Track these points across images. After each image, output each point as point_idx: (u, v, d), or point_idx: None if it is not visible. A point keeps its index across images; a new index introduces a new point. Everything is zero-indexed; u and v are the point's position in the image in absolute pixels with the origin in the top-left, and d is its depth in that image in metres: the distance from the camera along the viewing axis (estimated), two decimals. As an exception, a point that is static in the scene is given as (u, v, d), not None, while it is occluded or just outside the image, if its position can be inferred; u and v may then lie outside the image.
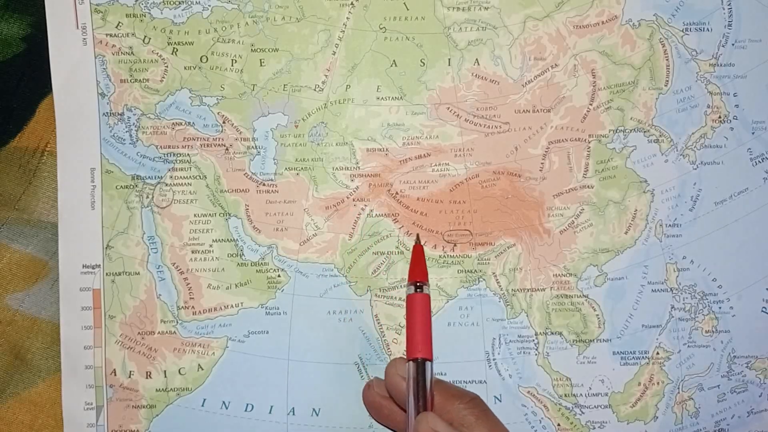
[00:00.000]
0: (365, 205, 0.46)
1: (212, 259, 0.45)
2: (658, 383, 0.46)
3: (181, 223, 0.45)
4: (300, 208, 0.45)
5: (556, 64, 0.46)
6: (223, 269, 0.45)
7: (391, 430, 0.44)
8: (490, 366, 0.46)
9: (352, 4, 0.45)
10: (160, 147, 0.45)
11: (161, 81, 0.45)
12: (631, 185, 0.46)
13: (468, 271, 0.46)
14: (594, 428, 0.45)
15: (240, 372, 0.45)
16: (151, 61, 0.45)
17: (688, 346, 0.46)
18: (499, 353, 0.46)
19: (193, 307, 0.45)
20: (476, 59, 0.46)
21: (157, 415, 0.45)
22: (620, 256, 0.46)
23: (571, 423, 0.45)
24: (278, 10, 0.45)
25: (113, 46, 0.45)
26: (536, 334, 0.46)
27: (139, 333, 0.45)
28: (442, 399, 0.40)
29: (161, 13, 0.45)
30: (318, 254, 0.45)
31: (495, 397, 0.45)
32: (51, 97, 0.45)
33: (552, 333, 0.46)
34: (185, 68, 0.45)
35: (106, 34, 0.45)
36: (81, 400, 0.45)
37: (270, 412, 0.45)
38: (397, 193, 0.46)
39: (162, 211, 0.45)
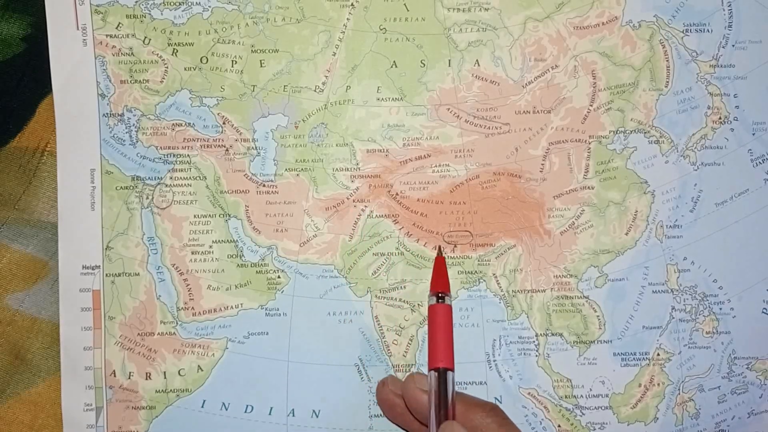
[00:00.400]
0: (365, 206, 0.46)
1: (212, 260, 0.45)
2: (658, 384, 0.46)
3: (181, 224, 0.45)
4: (300, 209, 0.45)
5: (556, 65, 0.46)
6: (222, 270, 0.45)
7: (402, 429, 0.44)
8: (490, 367, 0.45)
9: (352, 5, 0.45)
10: (160, 148, 0.45)
11: (161, 82, 0.45)
12: (631, 186, 0.46)
13: (468, 272, 0.46)
14: (594, 429, 0.45)
15: (240, 373, 0.45)
16: (152, 62, 0.45)
17: (689, 347, 0.46)
18: (499, 354, 0.46)
19: (192, 308, 0.45)
20: (476, 60, 0.46)
21: (157, 417, 0.45)
22: (621, 257, 0.46)
23: (572, 424, 0.45)
24: (278, 11, 0.45)
25: (113, 46, 0.45)
26: (537, 336, 0.46)
27: (138, 334, 0.45)
28: (463, 408, 0.40)
29: (161, 14, 0.45)
30: (318, 255, 0.45)
31: (495, 398, 0.45)
32: (51, 97, 0.45)
33: (552, 334, 0.46)
34: (185, 69, 0.45)
35: (107, 35, 0.45)
36: (81, 401, 0.44)
37: (270, 414, 0.45)
38: (397, 194, 0.46)
39: (162, 212, 0.45)
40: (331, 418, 0.45)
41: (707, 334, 0.46)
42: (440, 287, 0.42)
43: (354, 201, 0.46)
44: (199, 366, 0.45)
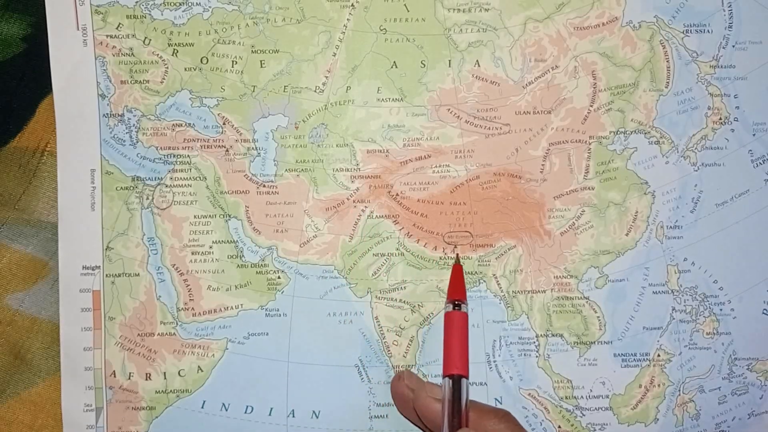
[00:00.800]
0: (365, 207, 0.46)
1: (212, 260, 0.45)
2: (659, 385, 0.46)
3: (181, 225, 0.45)
4: (300, 210, 0.45)
5: (556, 66, 0.46)
6: (223, 271, 0.45)
7: (414, 425, 0.44)
8: (490, 368, 0.45)
9: (352, 5, 0.45)
10: (161, 148, 0.45)
11: (161, 82, 0.45)
12: (631, 187, 0.46)
13: (468, 273, 0.46)
14: (595, 430, 0.45)
15: (240, 374, 0.45)
16: (152, 62, 0.45)
17: (689, 348, 0.46)
18: (499, 355, 0.46)
19: (192, 308, 0.45)
20: (477, 61, 0.46)
21: (157, 417, 0.45)
22: (621, 257, 0.46)
23: (572, 425, 0.45)
24: (279, 12, 0.45)
25: (113, 47, 0.45)
26: (537, 336, 0.46)
27: (138, 334, 0.45)
28: (476, 416, 0.40)
29: (162, 14, 0.45)
30: (318, 256, 0.45)
31: (495, 399, 0.45)
32: (51, 97, 0.45)
33: (553, 335, 0.46)
34: (185, 69, 0.45)
35: (107, 35, 0.45)
36: (81, 402, 0.44)
37: (270, 414, 0.45)
38: (397, 194, 0.46)
39: (162, 213, 0.45)
40: (331, 418, 0.45)
41: (708, 335, 0.46)
42: (457, 295, 0.43)
43: (354, 201, 0.46)
44: (199, 366, 0.45)
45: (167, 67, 0.45)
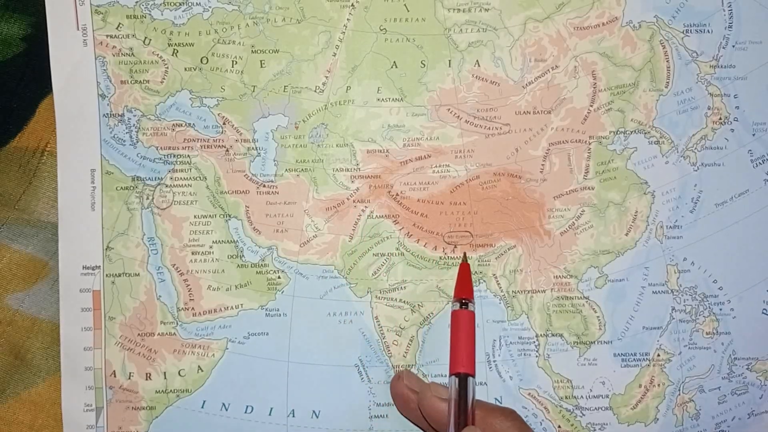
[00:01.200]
0: (365, 207, 0.46)
1: (212, 260, 0.45)
2: (658, 385, 0.46)
3: (181, 225, 0.45)
4: (300, 210, 0.45)
5: (556, 66, 0.46)
6: (223, 271, 0.45)
7: (415, 424, 0.44)
8: (490, 368, 0.45)
9: (352, 5, 0.45)
10: (161, 148, 0.45)
11: (161, 82, 0.45)
12: (631, 187, 0.46)
13: (468, 273, 0.46)
14: (595, 430, 0.45)
15: (240, 374, 0.45)
16: (152, 62, 0.45)
17: (689, 348, 0.46)
18: (499, 355, 0.46)
19: (193, 308, 0.45)
20: (477, 61, 0.46)
21: (157, 417, 0.45)
22: (621, 257, 0.46)
23: (572, 425, 0.45)
24: (279, 12, 0.45)
25: (114, 47, 0.45)
26: (537, 336, 0.46)
27: (138, 334, 0.45)
28: (482, 414, 0.40)
29: (162, 14, 0.45)
30: (318, 256, 0.45)
31: (495, 399, 0.45)
32: (51, 97, 0.45)
33: (553, 335, 0.46)
34: (185, 69, 0.45)
35: (107, 35, 0.45)
36: (81, 402, 0.44)
37: (270, 414, 0.45)
38: (397, 194, 0.46)
39: (162, 213, 0.45)
40: (331, 418, 0.45)
41: (707, 334, 0.46)
42: (464, 294, 0.43)
43: (354, 201, 0.46)
44: (199, 366, 0.45)
45: (167, 67, 0.45)
